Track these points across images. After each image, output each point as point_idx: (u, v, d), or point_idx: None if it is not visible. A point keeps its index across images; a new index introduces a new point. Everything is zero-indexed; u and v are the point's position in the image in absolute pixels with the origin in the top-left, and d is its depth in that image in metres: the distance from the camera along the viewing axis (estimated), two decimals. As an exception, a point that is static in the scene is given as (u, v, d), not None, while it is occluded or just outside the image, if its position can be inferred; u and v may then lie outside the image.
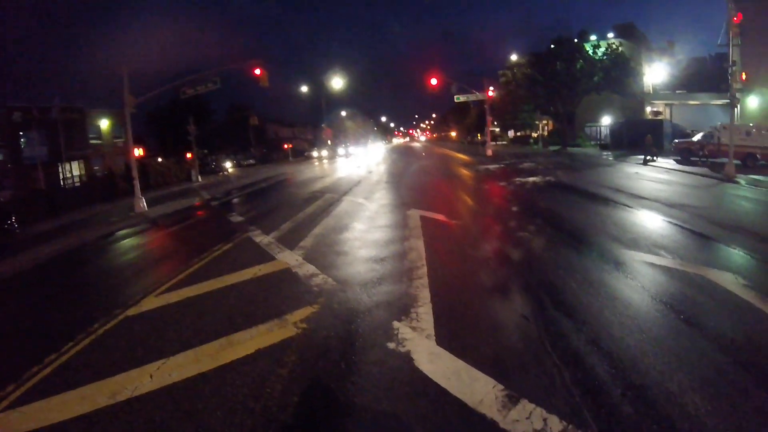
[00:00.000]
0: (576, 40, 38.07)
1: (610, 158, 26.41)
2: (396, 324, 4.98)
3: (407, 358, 4.22)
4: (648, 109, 40.56)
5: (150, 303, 6.83)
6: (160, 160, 42.62)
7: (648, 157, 23.22)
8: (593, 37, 41.90)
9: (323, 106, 66.72)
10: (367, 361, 4.26)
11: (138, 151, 24.70)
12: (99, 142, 45.65)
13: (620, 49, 37.19)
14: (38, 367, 5.10)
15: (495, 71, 52.33)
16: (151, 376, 4.50)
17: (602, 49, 37.17)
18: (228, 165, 49.38)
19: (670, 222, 9.02)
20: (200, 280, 7.63)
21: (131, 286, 8.15)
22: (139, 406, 4.04)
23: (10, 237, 17.02)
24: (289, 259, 8.29)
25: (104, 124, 46.12)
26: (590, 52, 37.49)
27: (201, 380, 4.31)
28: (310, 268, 7.54)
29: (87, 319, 6.46)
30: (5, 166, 36.54)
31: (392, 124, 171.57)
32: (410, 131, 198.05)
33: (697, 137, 23.04)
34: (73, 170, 41.06)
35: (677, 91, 39.37)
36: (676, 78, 40.99)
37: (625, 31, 45.72)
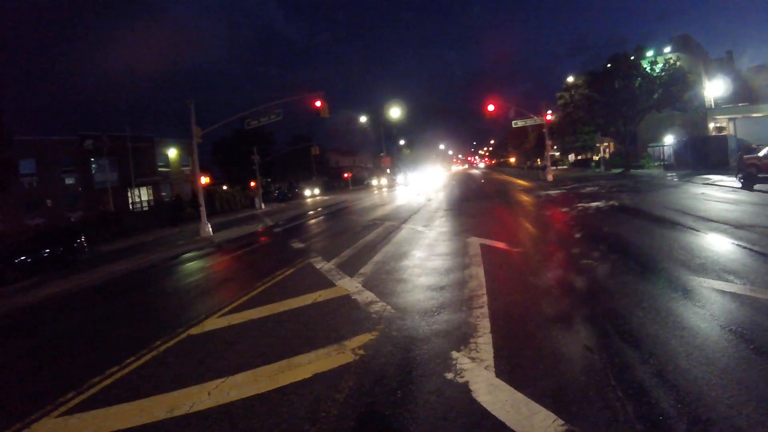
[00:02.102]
0: (632, 57, 36.54)
1: (675, 179, 25.07)
2: (455, 354, 4.91)
3: (465, 389, 4.14)
4: (711, 125, 38.33)
5: (212, 323, 7.15)
6: (225, 187, 44.78)
7: (745, 179, 18.21)
8: (650, 53, 40.23)
9: (382, 134, 68.06)
10: (423, 390, 4.23)
11: (204, 179, 26.10)
12: (167, 169, 48.71)
13: (678, 63, 35.45)
14: (99, 377, 5.44)
15: (552, 93, 51.47)
16: (209, 394, 4.67)
17: (660, 65, 35.51)
18: (308, 193, 51.20)
19: (739, 245, 8.43)
20: (262, 303, 7.92)
21: (195, 306, 8.58)
22: (196, 421, 4.19)
23: (80, 256, 18.28)
24: (349, 285, 8.44)
25: (172, 152, 49.22)
26: (648, 68, 35.91)
27: (258, 400, 4.43)
28: (370, 295, 7.62)
29: (150, 335, 6.85)
30: (77, 190, 39.51)
31: (450, 152, 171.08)
32: (469, 158, 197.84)
33: (763, 152, 21.46)
34: (142, 195, 43.89)
35: (740, 104, 37.07)
36: (738, 89, 38.72)
37: (681, 44, 43.63)
